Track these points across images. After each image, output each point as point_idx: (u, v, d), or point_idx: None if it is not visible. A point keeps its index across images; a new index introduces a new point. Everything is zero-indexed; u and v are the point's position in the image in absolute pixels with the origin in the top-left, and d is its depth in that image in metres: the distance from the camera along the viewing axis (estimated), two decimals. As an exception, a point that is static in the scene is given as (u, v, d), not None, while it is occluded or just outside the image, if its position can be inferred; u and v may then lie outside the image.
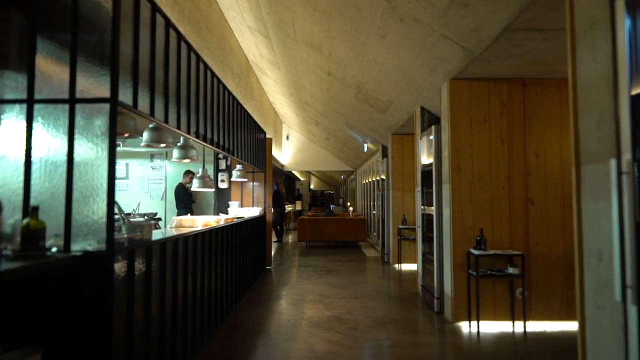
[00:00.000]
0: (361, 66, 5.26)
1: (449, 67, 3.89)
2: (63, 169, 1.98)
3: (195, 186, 4.47)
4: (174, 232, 3.51)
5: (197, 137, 3.27)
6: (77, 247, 1.97)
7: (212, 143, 3.72)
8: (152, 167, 7.87)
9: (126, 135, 2.71)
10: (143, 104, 2.35)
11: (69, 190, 1.97)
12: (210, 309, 3.67)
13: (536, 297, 4.01)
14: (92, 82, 2.02)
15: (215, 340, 3.61)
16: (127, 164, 7.87)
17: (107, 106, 1.98)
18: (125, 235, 2.28)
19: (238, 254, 4.90)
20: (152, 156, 7.86)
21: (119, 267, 2.05)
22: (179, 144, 3.93)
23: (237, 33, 7.10)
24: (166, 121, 2.64)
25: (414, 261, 7.50)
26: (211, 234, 3.73)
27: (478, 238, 3.90)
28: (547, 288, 4.02)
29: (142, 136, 3.23)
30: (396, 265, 7.53)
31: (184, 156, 3.89)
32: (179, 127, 2.85)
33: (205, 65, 3.55)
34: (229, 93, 4.47)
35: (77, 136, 1.99)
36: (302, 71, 7.18)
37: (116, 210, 2.10)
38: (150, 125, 3.22)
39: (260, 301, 4.97)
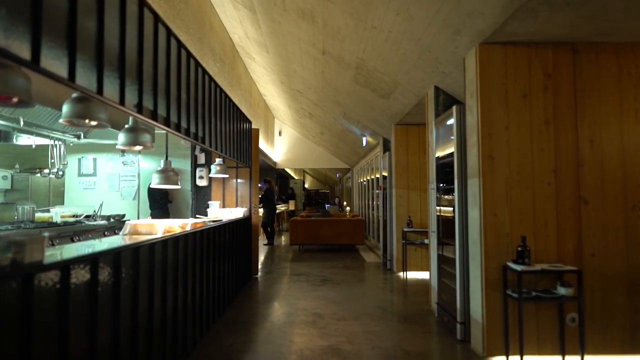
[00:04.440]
0: (362, 37, 4.34)
1: (480, 25, 2.97)
2: None
3: (154, 182, 3.54)
4: (125, 241, 2.62)
5: (139, 112, 2.33)
6: None
7: (167, 124, 2.77)
8: (123, 162, 6.91)
9: (15, 100, 1.77)
10: (18, 44, 1.41)
11: None
12: (165, 345, 2.74)
13: (591, 324, 3.11)
14: None
15: (172, 389, 2.68)
16: (94, 159, 6.91)
17: None
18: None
19: (212, 266, 3.97)
20: (123, 150, 6.90)
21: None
22: (126, 126, 3.01)
23: (219, 9, 6.16)
24: (72, 79, 1.70)
25: (421, 268, 6.60)
26: (166, 243, 2.80)
27: (519, 249, 3.00)
28: (605, 312, 3.13)
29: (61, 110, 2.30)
30: (400, 274, 6.62)
31: (132, 142, 2.96)
32: (100, 93, 1.91)
33: (156, 16, 2.61)
34: (197, 64, 3.52)
35: None
36: (293, 52, 6.26)
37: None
38: (74, 95, 2.29)
39: (240, 324, 4.03)
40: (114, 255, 2.09)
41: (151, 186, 3.63)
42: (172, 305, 2.88)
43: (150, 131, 3.10)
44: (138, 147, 3.03)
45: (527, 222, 3.15)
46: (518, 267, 2.91)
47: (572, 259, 3.14)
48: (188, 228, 3.40)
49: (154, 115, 2.55)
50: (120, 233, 3.34)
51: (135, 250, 2.33)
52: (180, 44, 3.02)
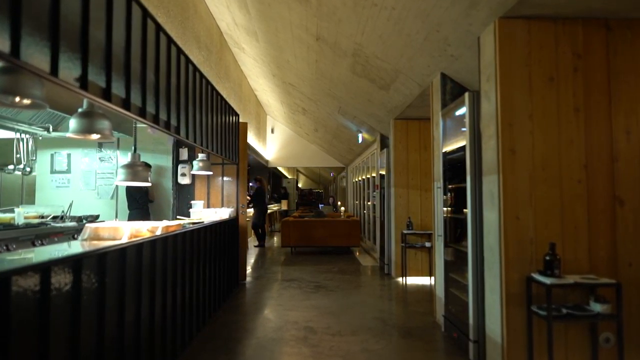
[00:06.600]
0: (362, 18, 3.87)
1: (502, -7, 2.52)
2: None
3: (120, 179, 3.04)
4: (85, 247, 2.16)
5: (83, 88, 1.84)
6: None
7: (126, 106, 2.27)
8: (100, 158, 6.38)
9: None
10: None
11: None
12: (124, 376, 2.26)
13: (628, 344, 2.67)
14: None
15: None
16: (68, 155, 6.36)
17: None
18: None
19: (189, 275, 3.48)
20: (100, 145, 6.38)
21: None
22: (79, 110, 2.51)
23: (204, -9, 5.67)
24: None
25: (422, 274, 6.17)
26: (124, 252, 2.31)
27: (547, 258, 2.54)
28: (643, 331, 2.69)
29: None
30: (400, 279, 6.17)
31: (86, 129, 2.46)
32: (15, 55, 1.42)
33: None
34: (170, 40, 3.03)
35: None
36: (285, 39, 5.78)
37: None
38: (-2, 66, 1.79)
39: (221, 341, 3.55)
40: (42, 270, 1.60)
41: (116, 182, 3.13)
42: (133, 325, 2.40)
43: (110, 118, 2.61)
44: (95, 136, 2.54)
45: (553, 226, 2.70)
46: (547, 280, 2.46)
47: (606, 269, 2.69)
48: (158, 232, 2.92)
49: (106, 95, 2.06)
50: (79, 238, 2.84)
51: (76, 262, 1.84)
52: (146, 13, 2.53)
